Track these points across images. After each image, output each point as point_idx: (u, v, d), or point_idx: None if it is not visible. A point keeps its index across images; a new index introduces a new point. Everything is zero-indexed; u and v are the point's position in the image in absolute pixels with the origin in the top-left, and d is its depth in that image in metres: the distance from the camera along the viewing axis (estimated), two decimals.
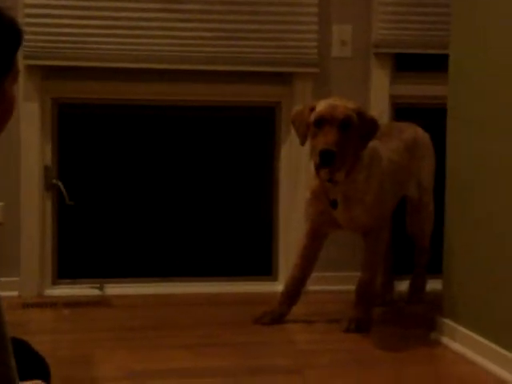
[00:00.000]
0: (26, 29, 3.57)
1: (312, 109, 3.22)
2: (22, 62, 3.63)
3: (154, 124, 4.02)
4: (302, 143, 3.28)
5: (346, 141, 3.13)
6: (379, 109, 3.94)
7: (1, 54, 1.35)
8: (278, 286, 3.75)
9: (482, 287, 2.96)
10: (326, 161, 3.08)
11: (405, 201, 3.69)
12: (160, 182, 4.03)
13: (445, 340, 3.15)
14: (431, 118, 3.89)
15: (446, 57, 3.27)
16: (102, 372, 2.79)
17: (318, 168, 3.16)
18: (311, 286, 3.72)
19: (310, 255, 3.43)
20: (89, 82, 3.83)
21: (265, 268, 4.08)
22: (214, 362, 2.93)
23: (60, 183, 3.85)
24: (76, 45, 3.70)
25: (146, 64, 3.78)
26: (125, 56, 3.74)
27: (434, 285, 3.66)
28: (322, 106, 3.19)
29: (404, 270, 3.90)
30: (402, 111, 4.07)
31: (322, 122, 3.15)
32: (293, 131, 3.48)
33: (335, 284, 3.88)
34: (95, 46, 3.72)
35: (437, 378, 2.85)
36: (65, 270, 3.90)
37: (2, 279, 3.70)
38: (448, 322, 3.16)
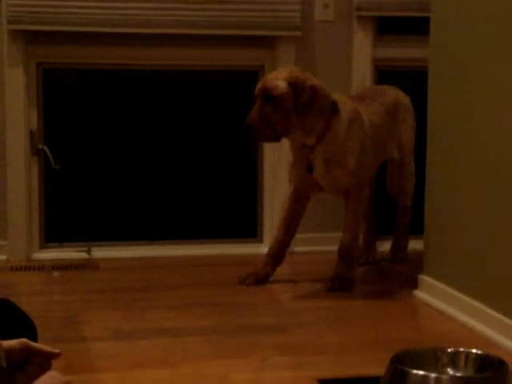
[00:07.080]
0: None
1: None
2: (5, 27, 3.63)
3: (138, 88, 4.03)
4: None
5: (271, 112, 3.18)
6: (361, 72, 3.97)
7: None
8: (264, 248, 3.79)
9: (462, 245, 3.02)
10: (248, 134, 3.21)
11: (385, 162, 3.74)
12: (146, 146, 4.06)
13: (426, 297, 3.22)
14: (413, 80, 3.92)
15: (427, 19, 3.30)
16: (91, 332, 2.82)
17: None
18: (295, 247, 3.78)
19: (293, 217, 3.48)
20: (73, 46, 3.83)
21: (250, 230, 4.13)
22: (200, 321, 2.97)
23: (46, 148, 3.87)
24: (59, 9, 3.70)
25: (129, 28, 3.78)
26: (108, 20, 3.74)
27: (416, 244, 3.73)
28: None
29: (387, 230, 3.96)
30: (385, 74, 4.10)
31: (255, 96, 3.24)
32: None
33: (319, 245, 3.94)
34: (78, 10, 3.71)
35: (418, 333, 2.92)
36: (52, 234, 3.94)
37: None
38: (429, 279, 3.23)
